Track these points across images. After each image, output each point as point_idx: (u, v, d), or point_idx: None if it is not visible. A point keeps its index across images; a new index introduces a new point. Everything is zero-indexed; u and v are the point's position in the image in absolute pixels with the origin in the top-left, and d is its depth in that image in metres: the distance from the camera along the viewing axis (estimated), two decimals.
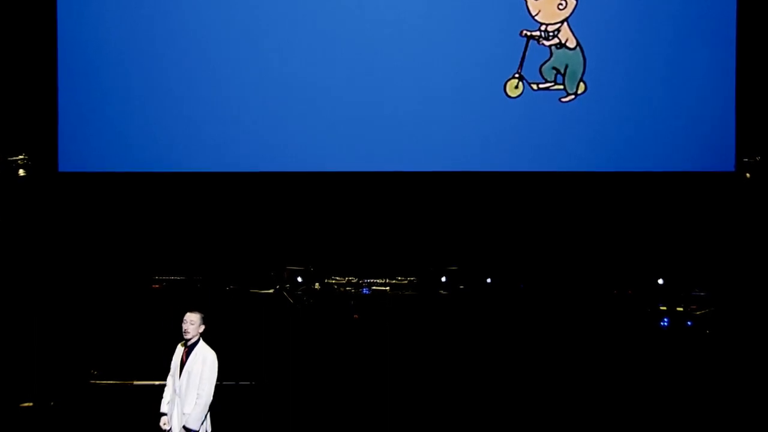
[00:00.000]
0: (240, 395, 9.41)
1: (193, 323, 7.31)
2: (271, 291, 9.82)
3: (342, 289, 9.93)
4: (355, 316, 9.82)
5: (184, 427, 7.19)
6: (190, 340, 7.32)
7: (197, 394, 7.19)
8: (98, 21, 9.49)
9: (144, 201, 9.71)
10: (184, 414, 7.19)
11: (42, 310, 9.61)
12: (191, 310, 7.36)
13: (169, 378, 7.42)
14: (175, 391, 7.31)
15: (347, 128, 9.47)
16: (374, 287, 9.90)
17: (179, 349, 7.42)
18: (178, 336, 7.42)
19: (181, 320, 7.33)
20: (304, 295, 9.84)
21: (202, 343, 7.34)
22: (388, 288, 9.91)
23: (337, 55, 9.45)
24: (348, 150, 9.48)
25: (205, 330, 7.38)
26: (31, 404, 9.38)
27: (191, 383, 7.20)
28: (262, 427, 9.28)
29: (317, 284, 9.90)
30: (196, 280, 9.83)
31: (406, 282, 9.93)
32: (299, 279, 9.87)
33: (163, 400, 7.41)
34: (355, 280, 9.92)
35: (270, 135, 9.49)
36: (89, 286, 9.71)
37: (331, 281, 9.94)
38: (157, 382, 8.27)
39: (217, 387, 7.27)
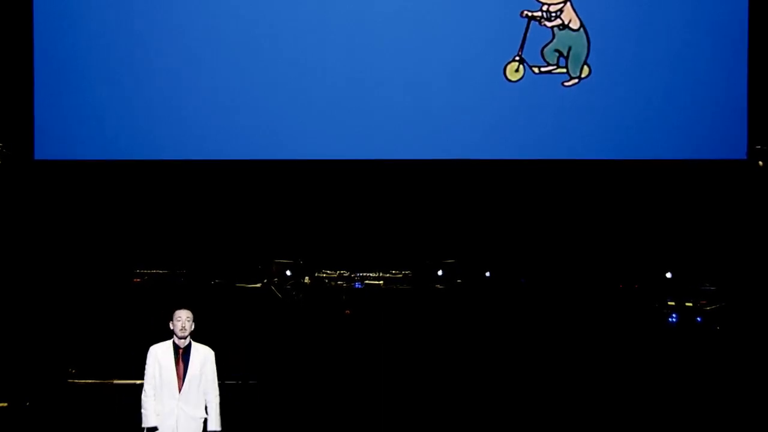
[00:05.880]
0: (226, 394, 9.23)
1: (189, 320, 6.92)
2: (259, 285, 9.80)
3: (333, 283, 9.91)
4: (347, 311, 9.80)
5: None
6: (185, 340, 6.94)
7: (214, 395, 6.99)
8: (75, 2, 9.31)
9: (124, 191, 9.57)
10: (194, 418, 6.89)
11: (16, 306, 9.47)
12: (180, 307, 6.95)
13: (151, 386, 6.91)
14: (172, 398, 6.88)
15: (338, 114, 9.32)
16: (367, 281, 9.89)
17: (164, 351, 6.96)
18: (160, 333, 7.09)
19: (168, 317, 6.92)
20: (293, 290, 9.82)
21: (193, 341, 7.01)
22: (381, 282, 9.89)
23: (329, 38, 9.27)
24: (339, 137, 9.33)
25: None
26: (5, 404, 9.29)
27: (200, 386, 6.93)
28: (250, 427, 9.22)
29: (307, 278, 9.87)
30: (180, 273, 9.80)
31: (400, 276, 9.91)
32: (288, 273, 9.85)
33: (149, 413, 6.89)
34: (346, 274, 9.91)
35: (256, 121, 9.33)
36: (66, 279, 9.59)
37: (321, 275, 9.92)
38: (138, 381, 8.09)
39: None
